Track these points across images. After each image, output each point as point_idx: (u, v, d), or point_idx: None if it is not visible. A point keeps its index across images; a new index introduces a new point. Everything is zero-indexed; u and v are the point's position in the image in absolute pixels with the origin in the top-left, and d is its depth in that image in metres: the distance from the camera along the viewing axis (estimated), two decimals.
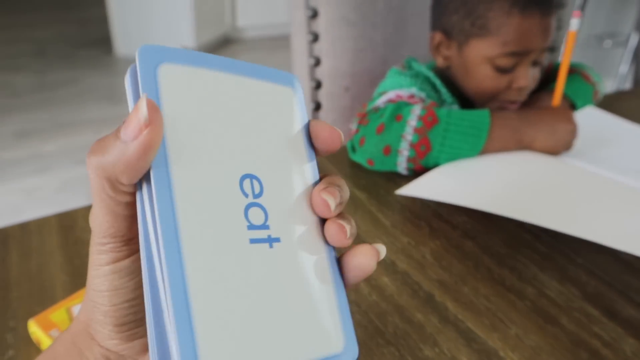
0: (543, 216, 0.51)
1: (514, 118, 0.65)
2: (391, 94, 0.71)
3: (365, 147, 0.64)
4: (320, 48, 0.90)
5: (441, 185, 0.58)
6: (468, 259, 0.51)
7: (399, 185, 0.62)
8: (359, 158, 0.65)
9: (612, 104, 0.95)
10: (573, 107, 0.82)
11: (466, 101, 0.78)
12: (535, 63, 0.72)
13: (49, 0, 4.77)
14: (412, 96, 0.70)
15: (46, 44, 3.63)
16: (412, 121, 0.62)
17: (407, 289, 0.47)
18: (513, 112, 0.67)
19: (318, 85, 0.92)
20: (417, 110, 0.63)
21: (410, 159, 0.62)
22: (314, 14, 0.89)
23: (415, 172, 0.64)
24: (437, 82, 0.75)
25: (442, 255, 0.51)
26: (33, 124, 2.53)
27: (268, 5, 3.74)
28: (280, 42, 3.78)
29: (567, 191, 0.59)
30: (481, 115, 0.63)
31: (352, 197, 0.60)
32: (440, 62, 0.77)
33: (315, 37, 0.90)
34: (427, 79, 0.76)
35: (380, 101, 0.70)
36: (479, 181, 0.59)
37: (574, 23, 0.64)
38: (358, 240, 0.53)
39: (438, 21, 0.76)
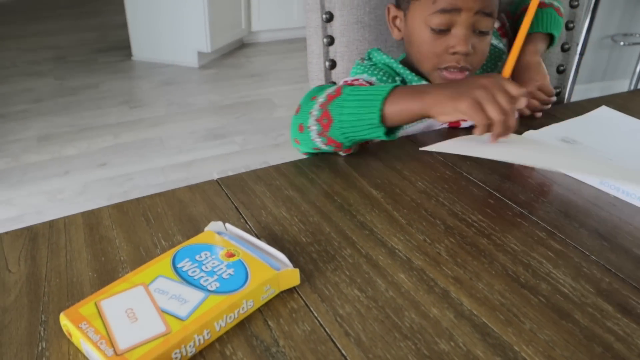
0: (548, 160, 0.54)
1: (419, 86, 0.64)
2: (340, 83, 0.76)
3: (291, 130, 0.68)
4: (336, 51, 0.92)
5: (460, 145, 0.63)
6: (483, 256, 0.52)
7: (414, 185, 0.63)
8: (291, 134, 0.69)
9: (626, 104, 0.95)
10: (552, 38, 0.86)
11: None
12: (480, 32, 0.73)
13: (71, 9, 4.86)
14: (356, 79, 0.75)
15: (67, 51, 3.69)
16: (320, 98, 0.64)
17: (423, 285, 0.48)
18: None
19: None
20: (330, 90, 0.65)
21: (319, 133, 0.64)
22: (330, 18, 0.90)
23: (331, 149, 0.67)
24: (395, 65, 0.78)
25: (457, 253, 0.52)
26: (55, 128, 2.58)
27: (282, 9, 3.77)
28: (294, 45, 3.80)
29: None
30: (382, 87, 0.62)
31: (369, 196, 0.61)
32: (395, 34, 0.81)
33: (331, 40, 0.91)
34: (385, 66, 0.79)
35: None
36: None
37: None
38: (374, 237, 0.54)
39: None
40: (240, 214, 0.58)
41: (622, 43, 2.91)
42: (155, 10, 3.30)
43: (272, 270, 0.46)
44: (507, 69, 0.64)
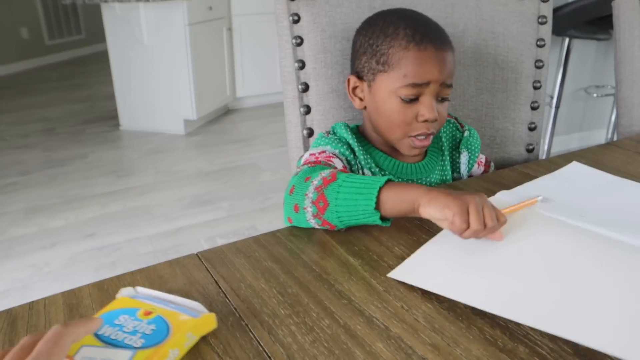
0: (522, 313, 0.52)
1: (412, 185, 0.64)
2: (306, 155, 0.80)
3: (284, 206, 0.70)
4: (313, 119, 0.95)
5: (429, 270, 0.59)
6: (460, 320, 0.52)
7: (391, 251, 0.64)
8: (284, 213, 0.70)
9: (599, 158, 0.98)
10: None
11: (386, 158, 0.85)
12: (441, 99, 0.79)
13: (60, 82, 4.97)
14: (323, 152, 0.79)
15: (56, 123, 3.75)
16: (315, 181, 0.66)
17: (401, 354, 0.48)
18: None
19: None
20: (324, 173, 0.67)
21: (315, 215, 0.66)
22: (305, 88, 0.94)
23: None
24: (355, 146, 0.82)
25: (435, 318, 0.52)
26: (42, 200, 2.58)
27: (266, 75, 3.88)
28: (278, 110, 3.89)
29: (547, 282, 0.57)
30: (377, 178, 0.64)
31: (346, 264, 0.62)
32: (357, 103, 0.84)
33: (307, 110, 0.94)
34: (346, 142, 0.82)
35: (300, 163, 0.78)
36: (462, 268, 0.59)
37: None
38: (352, 306, 0.54)
39: (352, 66, 0.85)
40: (220, 287, 0.59)
41: (595, 95, 3.01)
42: (142, 81, 3.38)
43: (191, 319, 0.49)
44: (505, 211, 0.65)
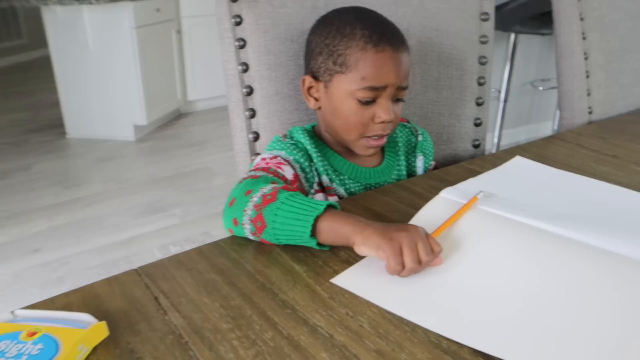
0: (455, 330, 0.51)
1: (356, 217, 0.61)
2: (258, 158, 0.78)
3: (224, 217, 0.67)
4: (258, 123, 0.93)
5: (372, 279, 0.58)
6: (405, 324, 0.51)
7: (336, 255, 0.63)
8: (224, 223, 0.68)
9: (542, 152, 1.00)
10: None
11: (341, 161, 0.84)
12: (396, 100, 0.79)
13: (0, 89, 4.75)
14: (275, 157, 0.77)
15: None
16: (255, 197, 0.64)
17: None
18: (356, 217, 0.62)
19: None
20: (265, 189, 0.64)
21: (253, 233, 0.64)
22: (250, 91, 0.92)
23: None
24: (313, 152, 0.81)
25: (380, 323, 0.51)
26: None
27: (217, 77, 3.81)
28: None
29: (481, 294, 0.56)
30: (318, 204, 0.62)
31: (291, 272, 0.60)
32: (312, 103, 0.83)
33: (252, 113, 0.92)
34: (303, 148, 0.81)
35: (249, 169, 0.76)
36: (404, 281, 0.58)
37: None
38: (296, 316, 0.53)
39: (307, 67, 0.83)
40: (160, 304, 0.56)
41: (541, 88, 3.10)
42: (89, 87, 3.27)
43: (80, 331, 0.48)
44: (438, 231, 0.64)
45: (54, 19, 3.16)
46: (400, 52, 0.77)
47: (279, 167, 0.75)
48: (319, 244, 0.62)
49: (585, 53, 1.24)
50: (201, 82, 3.80)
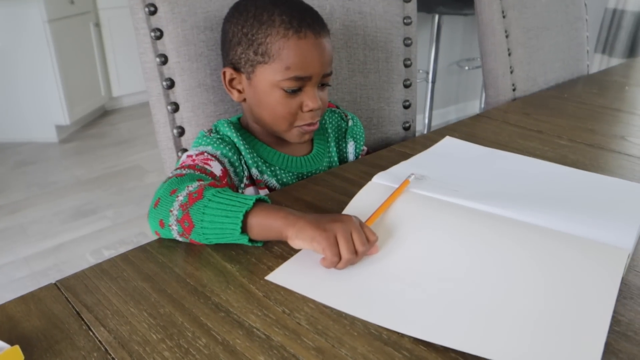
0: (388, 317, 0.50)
1: (288, 210, 0.60)
2: (184, 156, 0.74)
3: (149, 219, 0.63)
4: (182, 117, 0.88)
5: (307, 273, 0.56)
6: (343, 317, 0.50)
7: (270, 251, 0.61)
8: (150, 225, 0.64)
9: (471, 130, 1.01)
10: None
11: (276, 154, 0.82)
12: (322, 85, 0.78)
13: None
14: (201, 153, 0.74)
15: None
16: (181, 196, 0.61)
17: None
18: (288, 210, 0.60)
19: None
20: (191, 187, 0.61)
21: (181, 234, 0.61)
22: (171, 84, 0.87)
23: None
24: (240, 145, 0.78)
25: (318, 319, 0.50)
26: None
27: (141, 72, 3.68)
28: None
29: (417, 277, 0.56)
30: (246, 199, 0.59)
31: (223, 272, 0.57)
32: (235, 96, 0.80)
33: (175, 107, 0.88)
34: (231, 142, 0.78)
35: (175, 167, 0.72)
36: (340, 274, 0.56)
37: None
38: (230, 319, 0.50)
39: (226, 58, 0.80)
40: (83, 319, 0.52)
41: (466, 67, 3.18)
42: (2, 88, 3.06)
43: None
44: (372, 219, 0.63)
45: None
46: (322, 37, 0.75)
47: (206, 164, 0.72)
48: (250, 241, 0.60)
49: (506, 31, 1.27)
50: (126, 76, 3.64)
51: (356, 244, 0.56)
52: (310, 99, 0.76)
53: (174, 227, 0.61)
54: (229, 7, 0.81)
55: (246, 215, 0.58)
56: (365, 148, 0.97)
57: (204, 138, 0.78)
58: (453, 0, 2.49)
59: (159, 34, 0.86)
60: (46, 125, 3.16)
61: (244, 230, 0.58)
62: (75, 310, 0.53)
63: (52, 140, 3.20)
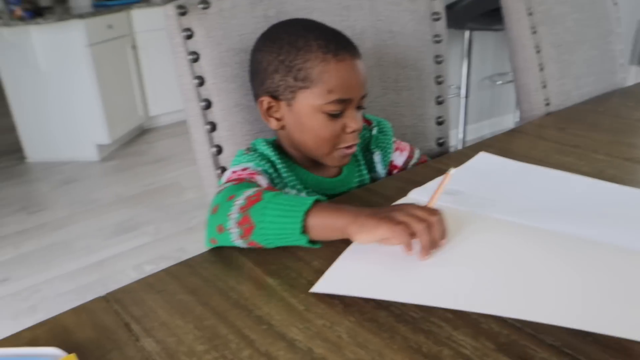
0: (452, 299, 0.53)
1: (346, 207, 0.61)
2: (228, 172, 0.77)
3: (207, 227, 0.66)
4: (220, 136, 0.91)
5: (351, 276, 0.59)
6: (383, 331, 0.51)
7: (309, 265, 0.62)
8: (207, 235, 0.67)
9: (505, 146, 1.02)
10: None
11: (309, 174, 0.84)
12: (359, 107, 0.80)
13: None
14: (245, 168, 0.76)
15: None
16: (239, 200, 0.63)
17: None
18: (343, 206, 0.62)
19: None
20: (249, 192, 0.64)
21: (241, 236, 0.63)
22: (208, 105, 0.90)
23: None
24: (278, 163, 0.80)
25: (358, 332, 0.51)
26: None
27: (177, 92, 3.76)
28: None
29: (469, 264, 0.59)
30: (305, 200, 0.61)
31: (265, 286, 0.59)
32: (273, 124, 0.81)
33: (213, 127, 0.91)
34: (268, 159, 0.80)
35: (222, 182, 0.74)
36: (386, 266, 0.59)
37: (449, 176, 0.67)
38: (272, 331, 0.52)
39: (261, 87, 0.80)
40: (131, 331, 0.55)
41: (499, 82, 3.16)
42: (46, 109, 3.19)
43: None
44: (431, 202, 0.65)
45: (0, 42, 3.06)
46: (357, 58, 0.77)
47: (252, 177, 0.74)
48: (310, 242, 0.61)
49: (536, 46, 1.27)
50: (162, 96, 3.75)
51: (421, 215, 0.57)
52: (352, 120, 0.77)
53: (234, 230, 0.63)
54: (262, 29, 0.83)
55: (306, 215, 0.60)
56: (407, 145, 0.97)
57: (244, 156, 0.80)
58: (482, 17, 2.49)
59: (195, 57, 0.90)
60: (88, 144, 3.27)
61: (304, 231, 0.60)
62: (124, 321, 0.56)
63: (93, 159, 3.30)
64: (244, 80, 0.91)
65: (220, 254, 0.67)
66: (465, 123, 2.87)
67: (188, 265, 0.65)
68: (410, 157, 0.96)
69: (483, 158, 0.92)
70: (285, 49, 0.76)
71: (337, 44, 0.75)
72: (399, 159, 0.95)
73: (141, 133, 3.79)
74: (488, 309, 0.51)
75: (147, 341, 0.53)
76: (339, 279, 0.58)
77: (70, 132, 3.25)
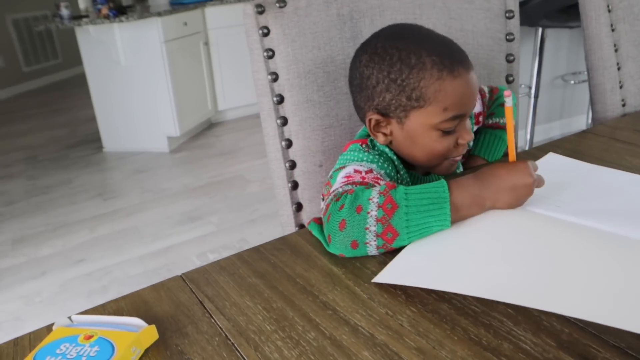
0: (518, 295, 0.53)
1: (471, 184, 0.65)
2: (349, 169, 0.73)
3: (333, 244, 0.64)
4: (290, 130, 0.95)
5: (414, 267, 0.60)
6: (444, 322, 0.53)
7: (374, 257, 0.64)
8: (332, 251, 0.65)
9: (575, 147, 0.99)
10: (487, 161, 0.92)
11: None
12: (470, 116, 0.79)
13: (39, 109, 4.93)
14: (370, 171, 0.73)
15: (38, 150, 3.72)
16: (373, 211, 0.61)
17: None
18: (469, 176, 0.65)
19: (293, 166, 0.96)
20: (375, 198, 0.62)
21: (379, 247, 0.63)
22: (280, 100, 0.94)
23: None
24: (400, 165, 0.79)
25: (419, 322, 0.53)
26: (29, 229, 2.56)
27: (245, 86, 3.88)
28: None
29: (538, 259, 0.59)
30: (438, 188, 0.62)
31: (330, 274, 0.62)
32: (381, 139, 0.78)
33: (284, 121, 0.95)
34: (389, 158, 0.78)
35: (339, 181, 0.71)
36: (451, 259, 0.60)
37: (508, 100, 0.67)
38: (337, 317, 0.54)
39: (369, 102, 0.77)
40: (205, 308, 0.59)
41: (572, 82, 3.05)
42: (123, 102, 3.37)
43: (132, 334, 0.52)
44: (512, 155, 0.71)
45: (86, 38, 3.27)
46: (471, 70, 0.74)
47: (377, 183, 0.70)
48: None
49: (615, 45, 1.23)
50: (230, 91, 3.87)
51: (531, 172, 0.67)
52: (466, 133, 0.76)
53: (372, 243, 0.62)
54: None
55: (450, 193, 0.62)
56: (494, 88, 0.96)
57: (363, 152, 0.77)
58: (557, 13, 2.41)
59: (271, 54, 0.93)
60: (159, 136, 3.43)
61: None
62: (199, 299, 0.60)
63: (164, 150, 3.46)
64: (315, 77, 0.94)
65: (289, 243, 0.70)
66: (534, 123, 2.79)
67: (258, 250, 0.69)
68: (483, 97, 0.95)
69: (552, 159, 0.90)
70: (397, 67, 0.72)
71: (451, 57, 0.72)
72: (477, 107, 0.93)
73: (209, 127, 3.93)
74: (550, 307, 0.51)
75: (220, 318, 0.56)
76: (402, 270, 0.60)
77: (144, 125, 3.42)
